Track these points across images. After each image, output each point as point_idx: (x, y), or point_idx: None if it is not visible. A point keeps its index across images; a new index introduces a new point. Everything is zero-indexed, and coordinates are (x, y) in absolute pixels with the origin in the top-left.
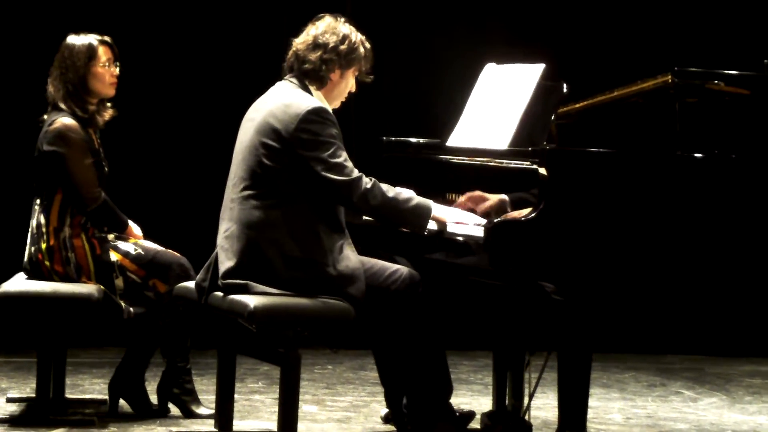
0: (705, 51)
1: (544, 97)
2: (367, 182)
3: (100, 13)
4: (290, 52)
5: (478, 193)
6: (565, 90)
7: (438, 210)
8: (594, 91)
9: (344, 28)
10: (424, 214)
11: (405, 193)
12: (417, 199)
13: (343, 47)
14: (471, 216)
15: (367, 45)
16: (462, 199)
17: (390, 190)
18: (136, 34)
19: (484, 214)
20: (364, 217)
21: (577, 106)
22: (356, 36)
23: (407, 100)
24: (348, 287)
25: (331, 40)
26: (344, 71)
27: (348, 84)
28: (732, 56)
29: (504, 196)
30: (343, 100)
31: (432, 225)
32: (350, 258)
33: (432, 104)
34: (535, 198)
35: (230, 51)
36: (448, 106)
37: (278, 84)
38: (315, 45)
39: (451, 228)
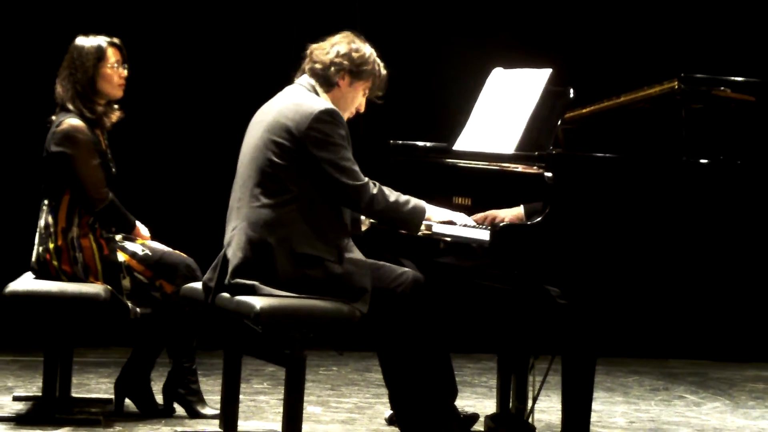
0: (711, 57)
1: (550, 102)
2: (373, 187)
3: (109, 14)
4: (306, 54)
5: (491, 212)
6: (571, 95)
7: (431, 210)
8: (601, 97)
9: (363, 44)
10: (420, 214)
11: (402, 196)
12: (413, 201)
13: (355, 55)
14: (462, 216)
15: (383, 69)
16: (477, 218)
17: (391, 194)
18: (144, 36)
19: None
20: (368, 221)
21: (584, 111)
22: (373, 54)
23: (415, 104)
24: (355, 282)
25: (346, 47)
26: (353, 80)
27: (356, 97)
28: (738, 63)
29: (520, 210)
30: (350, 115)
31: (439, 228)
32: (355, 254)
33: (439, 108)
34: None
35: (238, 54)
36: (456, 111)
37: (288, 88)
38: (329, 49)
39: (454, 231)
